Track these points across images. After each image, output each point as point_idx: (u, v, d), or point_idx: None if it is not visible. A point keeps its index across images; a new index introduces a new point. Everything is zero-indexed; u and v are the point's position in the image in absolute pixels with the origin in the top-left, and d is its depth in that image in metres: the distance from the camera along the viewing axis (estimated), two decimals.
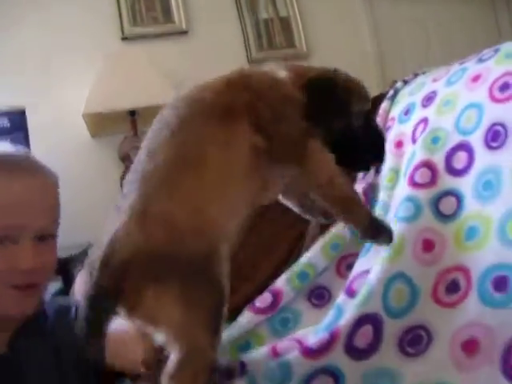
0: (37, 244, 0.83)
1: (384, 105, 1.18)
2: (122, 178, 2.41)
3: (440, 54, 2.77)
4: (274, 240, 1.09)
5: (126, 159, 2.44)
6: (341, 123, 0.80)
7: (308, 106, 0.75)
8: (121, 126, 2.46)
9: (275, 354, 0.83)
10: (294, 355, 0.79)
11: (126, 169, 2.42)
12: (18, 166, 0.84)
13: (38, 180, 0.85)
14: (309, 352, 0.79)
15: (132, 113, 2.38)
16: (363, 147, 0.82)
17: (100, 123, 2.43)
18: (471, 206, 0.81)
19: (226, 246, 0.68)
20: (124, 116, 2.41)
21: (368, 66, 2.65)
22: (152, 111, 2.46)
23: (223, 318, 0.65)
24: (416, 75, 1.25)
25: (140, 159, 0.72)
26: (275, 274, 1.00)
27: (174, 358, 0.63)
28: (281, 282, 0.97)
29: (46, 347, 0.89)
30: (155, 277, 0.62)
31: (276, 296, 0.95)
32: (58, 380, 0.88)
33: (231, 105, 0.73)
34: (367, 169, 0.93)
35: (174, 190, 0.64)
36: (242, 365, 0.82)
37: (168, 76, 2.38)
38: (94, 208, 2.38)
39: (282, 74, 0.79)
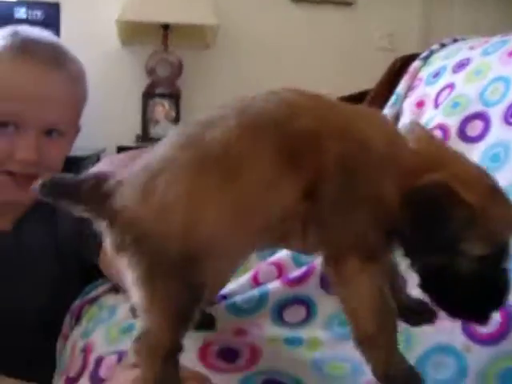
0: (43, 137, 0.83)
1: (415, 64, 1.17)
2: (146, 91, 2.43)
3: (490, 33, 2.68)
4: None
5: (152, 73, 2.44)
6: (440, 260, 0.52)
7: (400, 219, 0.51)
8: (152, 38, 2.45)
9: (256, 282, 0.88)
10: (273, 284, 0.84)
11: (152, 83, 2.43)
12: (40, 54, 0.82)
13: (59, 73, 0.84)
14: (287, 281, 0.84)
15: (165, 27, 2.36)
16: (472, 294, 0.53)
17: (132, 32, 2.42)
18: None
19: (219, 264, 0.58)
20: (157, 29, 2.40)
21: (411, 30, 2.58)
22: (186, 29, 2.49)
23: (192, 319, 0.55)
24: (455, 40, 1.23)
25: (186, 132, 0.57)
26: None
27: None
28: (282, 254, 0.99)
29: (49, 233, 0.93)
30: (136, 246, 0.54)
31: (280, 268, 0.98)
32: (57, 263, 0.93)
33: (305, 151, 0.52)
34: (479, 318, 0.54)
35: (194, 185, 0.52)
36: (223, 297, 0.86)
37: None
38: (113, 117, 2.42)
39: (403, 145, 0.54)
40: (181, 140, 0.53)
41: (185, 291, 0.52)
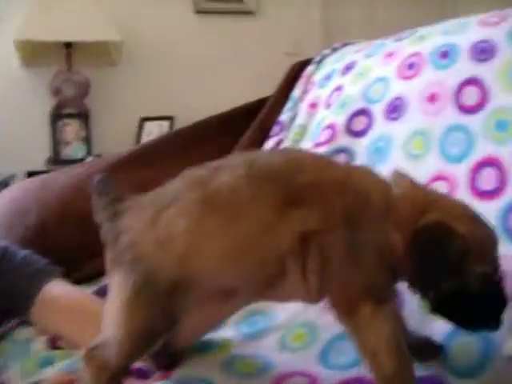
0: None
1: (309, 68, 1.23)
2: (53, 112, 2.35)
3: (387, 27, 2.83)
4: None
5: (57, 93, 2.38)
6: (452, 285, 0.57)
7: (409, 260, 0.56)
8: (55, 57, 2.38)
9: None
10: None
11: (59, 103, 2.36)
12: None
13: None
14: None
15: (68, 45, 2.31)
16: (477, 309, 0.58)
17: (33, 52, 2.34)
18: None
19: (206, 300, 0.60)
20: (59, 48, 2.33)
21: (314, 33, 2.68)
22: (89, 47, 2.42)
23: (152, 348, 0.58)
24: (345, 45, 1.30)
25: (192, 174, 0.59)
26: None
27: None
28: None
29: None
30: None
31: None
32: None
33: (308, 200, 0.56)
34: (493, 325, 0.58)
35: (198, 220, 0.55)
36: None
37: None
38: (20, 140, 2.33)
39: (395, 194, 0.58)
40: (191, 180, 0.57)
41: (162, 319, 0.56)
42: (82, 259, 0.99)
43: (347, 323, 0.57)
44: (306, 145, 1.03)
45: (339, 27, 2.71)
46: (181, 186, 0.58)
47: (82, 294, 0.83)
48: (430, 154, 0.81)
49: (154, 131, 2.35)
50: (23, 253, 0.88)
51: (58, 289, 0.83)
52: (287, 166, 0.58)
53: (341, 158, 0.92)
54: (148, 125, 2.41)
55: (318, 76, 1.19)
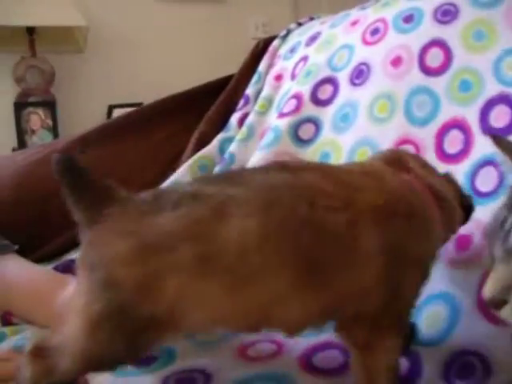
0: None
1: (275, 42, 1.20)
2: (18, 101, 2.29)
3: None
4: (149, 155, 1.10)
5: (21, 81, 2.31)
6: None
7: None
8: (18, 44, 2.31)
9: None
10: None
11: (23, 91, 2.29)
12: None
13: None
14: None
15: (31, 31, 2.24)
16: None
17: None
18: (328, 134, 0.87)
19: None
20: (22, 34, 2.26)
21: (283, 8, 2.66)
22: (54, 32, 2.36)
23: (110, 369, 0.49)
24: (312, 19, 1.28)
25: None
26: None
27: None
28: None
29: None
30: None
31: None
32: None
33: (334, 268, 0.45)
34: None
35: (195, 280, 0.42)
36: None
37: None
38: None
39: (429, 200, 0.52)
40: (187, 222, 0.41)
41: (125, 351, 0.44)
42: (41, 238, 0.96)
43: (360, 352, 0.49)
44: (271, 116, 1.01)
45: (309, 11, 2.69)
46: (178, 225, 0.42)
47: (35, 271, 0.79)
48: (396, 118, 0.80)
49: None
50: None
51: (9, 266, 0.79)
52: (314, 213, 0.43)
53: (309, 129, 0.90)
54: (116, 112, 2.36)
55: (284, 49, 1.16)
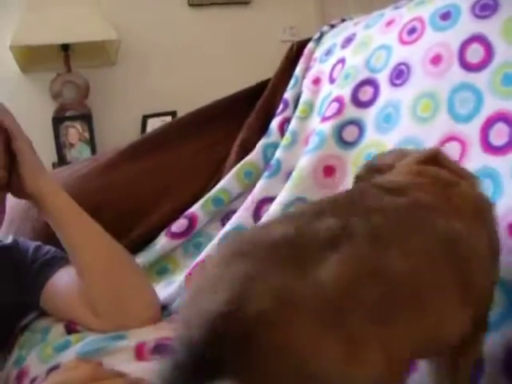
0: None
1: (309, 46, 1.22)
2: (55, 116, 2.36)
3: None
4: (192, 164, 1.13)
5: (58, 96, 2.38)
6: None
7: None
8: (53, 62, 2.39)
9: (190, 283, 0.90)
10: None
11: (60, 106, 2.37)
12: None
13: None
14: None
15: (65, 47, 2.31)
16: None
17: (31, 57, 2.35)
18: (371, 135, 0.88)
19: None
20: (57, 51, 2.34)
21: (310, 20, 2.67)
22: (86, 47, 2.43)
23: None
24: (343, 20, 1.30)
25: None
26: (193, 201, 1.05)
27: None
28: (196, 207, 1.02)
29: None
30: None
31: (191, 221, 1.01)
32: None
33: None
34: None
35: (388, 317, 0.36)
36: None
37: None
38: None
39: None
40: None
41: None
42: None
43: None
44: (314, 121, 1.03)
45: (335, 11, 2.70)
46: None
47: None
48: (439, 116, 0.81)
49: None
50: (33, 245, 0.90)
51: (61, 281, 0.84)
52: None
53: (353, 131, 0.92)
54: (151, 122, 2.41)
55: (319, 52, 1.18)
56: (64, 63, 2.36)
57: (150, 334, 0.73)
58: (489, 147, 0.74)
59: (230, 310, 0.31)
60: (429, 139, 0.80)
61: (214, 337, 0.31)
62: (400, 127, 0.85)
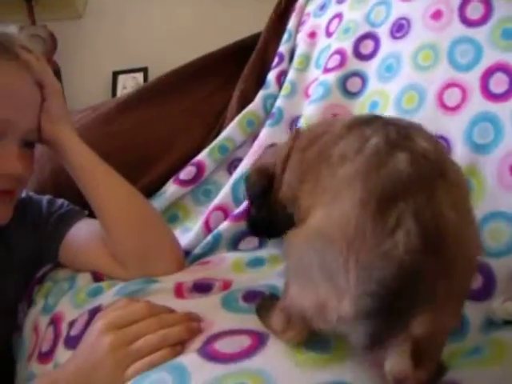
0: (22, 149, 0.75)
1: (300, 1, 1.25)
2: None
3: None
4: (192, 114, 1.15)
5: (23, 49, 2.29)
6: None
7: None
8: (16, 13, 2.28)
9: (208, 229, 0.94)
10: (223, 225, 0.90)
11: None
12: (5, 49, 0.73)
13: (27, 71, 0.76)
14: (233, 218, 0.90)
15: None
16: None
17: None
18: (374, 84, 0.94)
19: None
20: (19, 2, 2.24)
21: None
22: None
23: None
24: None
25: None
26: (196, 150, 1.08)
27: None
28: (203, 155, 1.05)
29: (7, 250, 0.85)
30: None
31: (199, 168, 1.04)
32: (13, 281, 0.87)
33: None
34: None
35: None
36: (187, 252, 0.91)
37: None
38: None
39: None
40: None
41: None
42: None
43: None
44: (312, 73, 1.07)
45: None
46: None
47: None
48: (440, 65, 0.87)
49: (128, 84, 2.32)
50: (45, 199, 0.91)
51: (81, 232, 0.85)
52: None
53: (356, 82, 0.97)
54: (121, 78, 2.37)
55: (312, 7, 1.21)
56: (28, 15, 2.26)
57: (183, 277, 0.76)
58: (489, 94, 0.81)
59: (423, 247, 0.40)
60: (430, 86, 0.86)
61: (408, 273, 0.39)
62: (401, 75, 0.90)
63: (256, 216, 0.74)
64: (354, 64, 0.98)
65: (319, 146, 0.57)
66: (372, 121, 0.54)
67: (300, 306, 0.47)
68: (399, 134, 0.50)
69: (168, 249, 0.81)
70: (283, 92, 1.08)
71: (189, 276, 0.76)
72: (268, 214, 0.69)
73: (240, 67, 1.25)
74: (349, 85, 0.97)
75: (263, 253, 0.84)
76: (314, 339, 0.53)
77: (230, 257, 0.84)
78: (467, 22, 0.87)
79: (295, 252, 0.49)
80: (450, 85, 0.85)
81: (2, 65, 0.71)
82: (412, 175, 0.45)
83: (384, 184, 0.44)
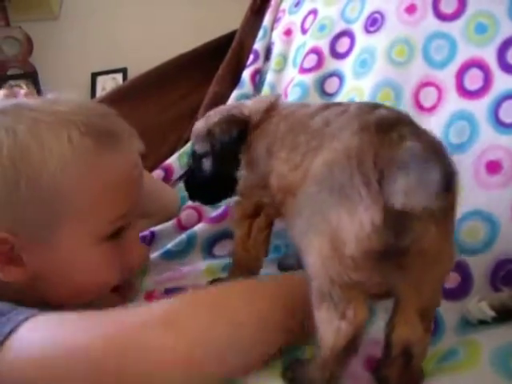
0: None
1: None
2: None
3: None
4: (167, 116, 1.13)
5: None
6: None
7: None
8: None
9: (180, 226, 0.91)
10: (198, 226, 0.88)
11: (0, 64, 2.23)
12: (117, 135, 0.64)
13: (136, 151, 0.67)
14: (209, 221, 0.88)
15: None
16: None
17: None
18: (350, 82, 0.91)
19: None
20: None
21: None
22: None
23: None
24: None
25: None
26: (170, 152, 1.06)
27: None
28: (172, 159, 1.03)
29: None
30: None
31: (167, 171, 1.02)
32: None
33: None
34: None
35: None
36: (152, 234, 0.89)
37: None
38: None
39: None
40: None
41: None
42: None
43: None
44: (290, 72, 1.04)
45: None
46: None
47: None
48: (415, 61, 0.85)
49: (108, 85, 2.28)
50: None
51: None
52: None
53: (334, 82, 0.95)
54: (101, 79, 2.33)
55: (287, 3, 1.19)
56: (1, 17, 2.22)
57: (154, 286, 0.75)
58: (464, 92, 0.79)
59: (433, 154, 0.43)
60: (405, 84, 0.85)
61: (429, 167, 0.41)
62: (376, 71, 0.88)
63: (204, 175, 0.69)
64: (330, 64, 0.96)
65: (293, 119, 0.59)
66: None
67: (331, 256, 0.45)
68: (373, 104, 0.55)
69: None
70: (263, 94, 1.06)
71: (160, 286, 0.74)
72: (225, 170, 0.66)
73: (216, 66, 1.22)
74: (326, 86, 0.95)
75: None
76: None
77: (204, 264, 0.82)
78: (441, 17, 0.85)
79: (306, 200, 0.48)
80: (425, 84, 0.83)
81: (117, 158, 0.62)
82: (397, 117, 0.50)
83: (377, 119, 0.48)
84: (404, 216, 0.42)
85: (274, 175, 0.57)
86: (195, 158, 0.71)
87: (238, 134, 0.65)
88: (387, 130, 0.46)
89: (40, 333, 0.47)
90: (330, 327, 0.46)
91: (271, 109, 0.65)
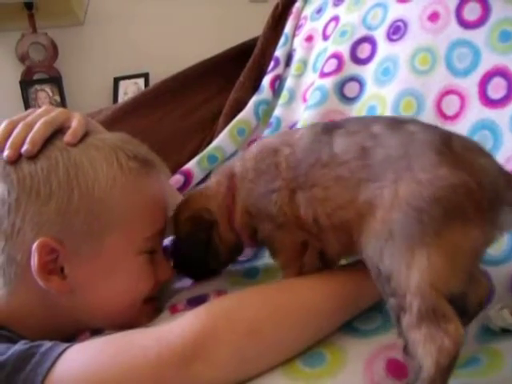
0: None
1: (297, 4, 1.23)
2: (23, 79, 2.27)
3: None
4: (186, 123, 1.14)
5: (25, 59, 2.30)
6: None
7: None
8: (17, 22, 2.29)
9: None
10: None
11: (27, 69, 2.28)
12: (153, 162, 0.70)
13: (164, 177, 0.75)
14: None
15: (29, 6, 2.21)
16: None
17: None
18: (371, 89, 0.91)
19: None
20: (20, 10, 2.24)
21: None
22: (52, 6, 2.33)
23: None
24: None
25: None
26: (190, 157, 1.07)
27: None
28: (191, 164, 1.04)
29: None
30: None
31: (187, 177, 1.03)
32: None
33: None
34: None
35: None
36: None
37: None
38: None
39: None
40: None
41: None
42: None
43: None
44: (310, 77, 1.05)
45: None
46: None
47: None
48: (437, 70, 0.84)
49: (130, 90, 2.31)
50: None
51: None
52: None
53: (353, 87, 0.95)
54: (123, 84, 2.37)
55: (309, 10, 1.19)
56: (28, 23, 2.26)
57: (175, 300, 0.73)
58: (487, 100, 0.78)
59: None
60: (428, 92, 0.84)
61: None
62: (398, 79, 0.88)
63: (189, 255, 0.70)
64: (351, 68, 0.96)
65: (289, 159, 0.60)
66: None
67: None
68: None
69: None
70: (281, 101, 1.06)
71: (181, 297, 0.74)
72: (206, 255, 0.69)
73: (239, 71, 1.23)
74: (346, 90, 0.95)
75: (258, 263, 0.83)
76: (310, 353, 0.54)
77: (224, 270, 0.82)
78: (464, 24, 0.84)
79: (400, 224, 0.50)
80: (448, 92, 0.83)
81: (154, 182, 0.69)
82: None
83: (442, 139, 0.53)
84: None
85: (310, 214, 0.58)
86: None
87: (206, 235, 0.67)
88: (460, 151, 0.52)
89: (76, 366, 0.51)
90: (432, 345, 0.46)
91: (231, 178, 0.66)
